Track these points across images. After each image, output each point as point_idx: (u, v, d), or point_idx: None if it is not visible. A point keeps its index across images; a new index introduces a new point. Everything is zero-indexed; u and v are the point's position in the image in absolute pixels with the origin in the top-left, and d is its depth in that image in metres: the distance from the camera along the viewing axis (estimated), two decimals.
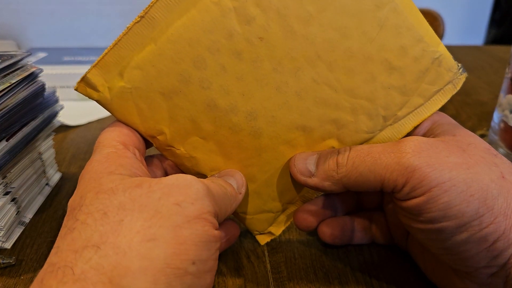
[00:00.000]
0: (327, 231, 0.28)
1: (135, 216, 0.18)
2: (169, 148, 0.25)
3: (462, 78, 0.25)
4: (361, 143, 0.26)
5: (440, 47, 0.24)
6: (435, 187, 0.20)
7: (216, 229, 0.20)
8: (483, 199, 0.20)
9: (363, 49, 0.24)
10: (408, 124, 0.26)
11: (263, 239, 0.30)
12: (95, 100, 0.24)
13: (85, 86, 0.24)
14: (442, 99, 0.25)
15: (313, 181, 0.25)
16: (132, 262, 0.17)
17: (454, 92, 0.26)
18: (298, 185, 0.27)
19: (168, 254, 0.17)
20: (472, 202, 0.20)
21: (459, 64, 0.25)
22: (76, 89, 0.24)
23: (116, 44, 0.23)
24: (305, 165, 0.25)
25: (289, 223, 0.29)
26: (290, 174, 0.26)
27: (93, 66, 0.23)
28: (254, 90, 0.24)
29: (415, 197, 0.21)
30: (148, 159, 0.27)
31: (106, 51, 0.23)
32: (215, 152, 0.25)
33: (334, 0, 0.23)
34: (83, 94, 0.24)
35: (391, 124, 0.26)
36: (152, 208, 0.18)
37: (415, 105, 0.25)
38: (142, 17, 0.22)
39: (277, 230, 0.29)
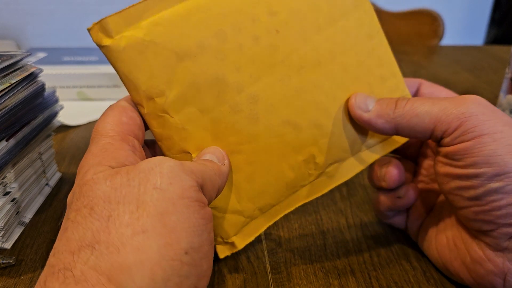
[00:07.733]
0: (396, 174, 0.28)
1: (121, 210, 0.18)
2: (163, 115, 0.24)
3: None
4: (334, 162, 0.28)
5: (406, 89, 0.29)
6: (485, 134, 0.22)
7: (204, 204, 0.19)
8: None
9: (354, 67, 0.27)
10: (378, 152, 0.29)
11: (223, 251, 0.28)
12: (103, 46, 0.23)
13: (98, 30, 0.23)
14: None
15: (368, 115, 0.25)
16: (126, 258, 0.17)
17: None
18: (277, 190, 0.27)
19: (161, 245, 0.17)
20: None
21: None
22: (88, 30, 0.23)
23: None
24: (365, 101, 0.26)
25: (253, 238, 0.28)
26: (275, 174, 0.26)
27: (115, 14, 0.22)
28: (262, 75, 0.25)
29: (463, 142, 0.23)
30: (150, 143, 0.27)
31: (133, 5, 0.22)
32: (207, 130, 0.25)
33: (339, 21, 0.26)
34: (93, 38, 0.23)
35: (361, 151, 0.28)
36: (135, 198, 0.18)
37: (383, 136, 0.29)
38: None
39: (241, 243, 0.28)
